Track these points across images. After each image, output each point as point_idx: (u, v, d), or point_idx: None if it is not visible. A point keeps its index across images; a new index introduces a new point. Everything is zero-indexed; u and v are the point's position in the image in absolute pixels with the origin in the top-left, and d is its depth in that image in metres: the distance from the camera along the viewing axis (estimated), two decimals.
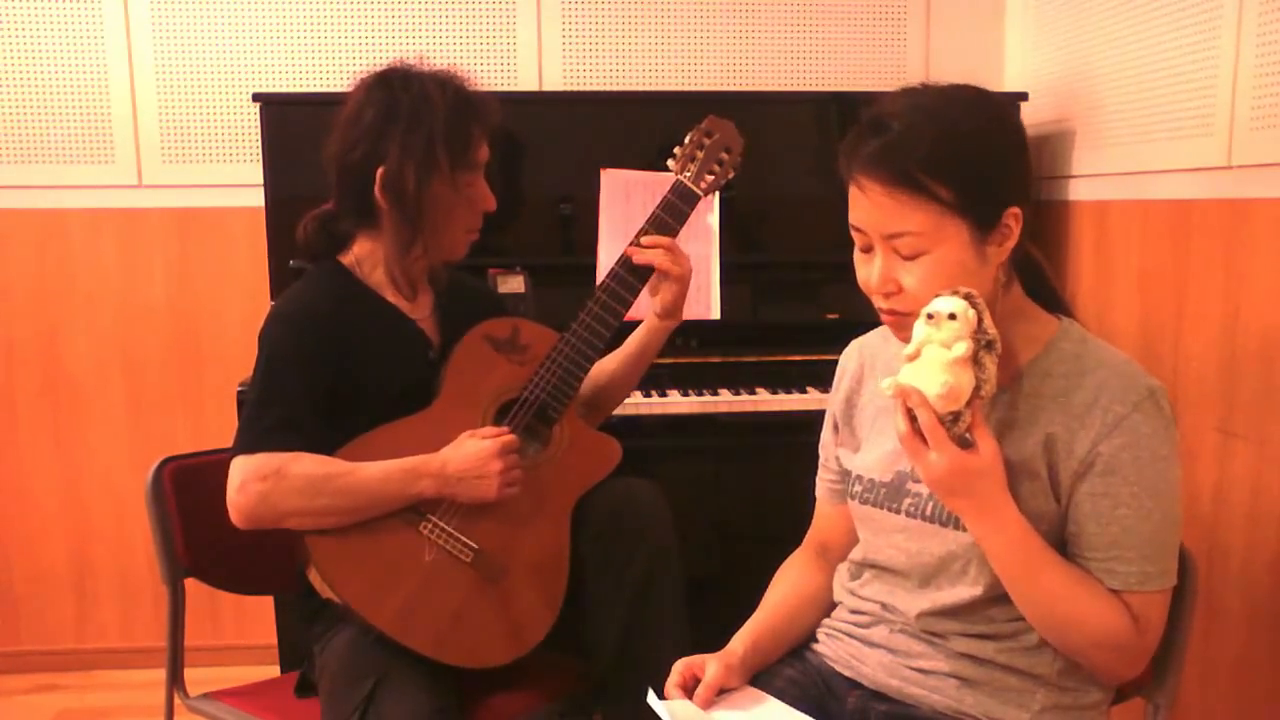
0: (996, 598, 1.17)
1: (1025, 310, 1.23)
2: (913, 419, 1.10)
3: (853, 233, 1.19)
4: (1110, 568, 1.14)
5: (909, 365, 1.12)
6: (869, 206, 1.14)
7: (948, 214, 1.11)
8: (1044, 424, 1.16)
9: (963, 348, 1.08)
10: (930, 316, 1.10)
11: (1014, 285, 1.22)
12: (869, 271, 1.17)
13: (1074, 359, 1.18)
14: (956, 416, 1.10)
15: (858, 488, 1.31)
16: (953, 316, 1.08)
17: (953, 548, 1.20)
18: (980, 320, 1.09)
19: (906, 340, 1.14)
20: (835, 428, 1.40)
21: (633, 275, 1.65)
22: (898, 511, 1.25)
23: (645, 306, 1.74)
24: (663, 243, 1.65)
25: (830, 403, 1.41)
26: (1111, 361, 1.17)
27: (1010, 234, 1.15)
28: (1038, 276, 1.26)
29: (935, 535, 1.21)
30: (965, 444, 1.10)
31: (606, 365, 1.75)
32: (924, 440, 1.10)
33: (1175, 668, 1.25)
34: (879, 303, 1.18)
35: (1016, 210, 1.14)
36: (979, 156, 1.13)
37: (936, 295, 1.11)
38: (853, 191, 1.16)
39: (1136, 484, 1.13)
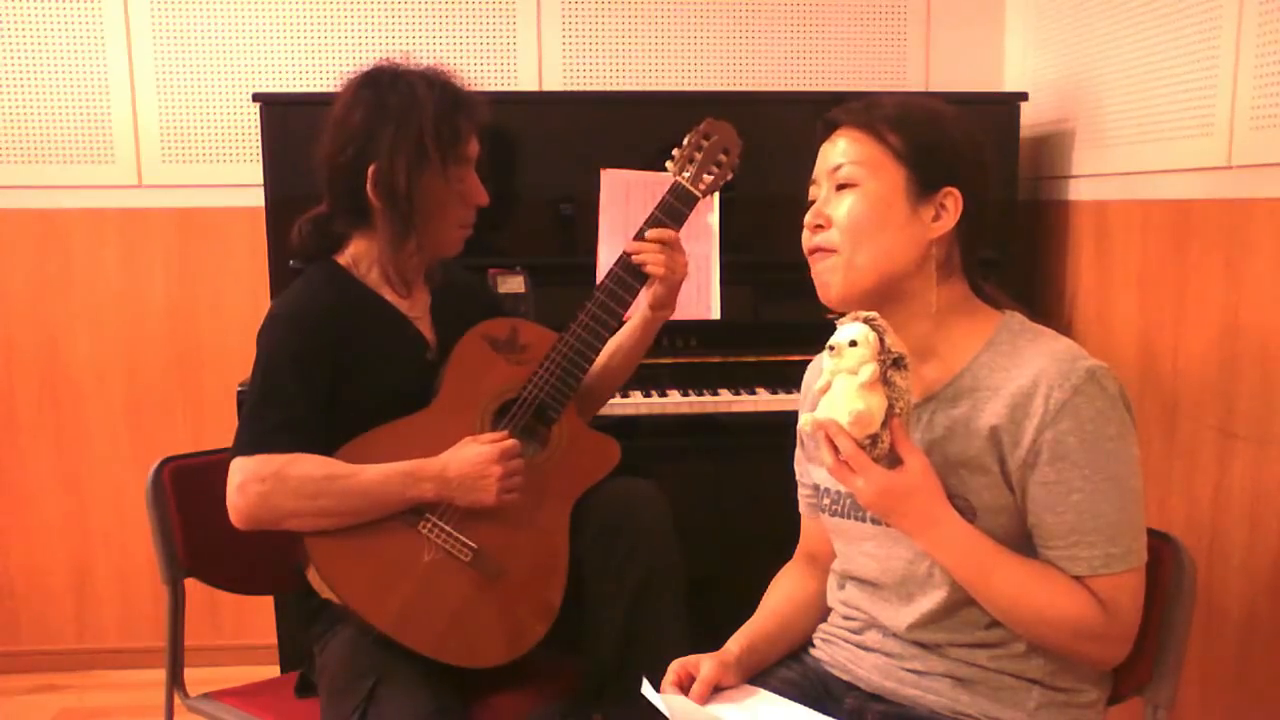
0: (967, 598, 1.18)
1: (968, 307, 1.25)
2: (837, 449, 1.13)
3: (810, 190, 1.28)
4: (1073, 554, 1.14)
5: (823, 399, 1.14)
6: (828, 149, 1.26)
7: (889, 156, 1.20)
8: (988, 417, 1.16)
9: (869, 371, 1.10)
10: (832, 348, 1.12)
11: (957, 282, 1.24)
12: (809, 213, 1.26)
13: (1013, 350, 1.19)
14: (875, 439, 1.11)
15: (826, 500, 1.33)
16: (854, 344, 1.10)
17: (918, 550, 1.21)
18: (883, 340, 1.11)
19: (827, 296, 1.23)
20: (802, 443, 1.42)
21: (631, 275, 1.65)
22: (864, 520, 1.26)
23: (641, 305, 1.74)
24: (665, 236, 1.65)
25: (804, 396, 1.43)
26: (1050, 349, 1.17)
27: (945, 214, 1.20)
28: (981, 282, 1.28)
29: (900, 540, 1.21)
30: (894, 462, 1.13)
31: (597, 360, 1.75)
32: (851, 468, 1.12)
33: (1174, 668, 1.25)
34: (809, 242, 1.26)
35: (956, 193, 1.19)
36: (934, 128, 1.22)
37: (838, 326, 1.14)
38: (822, 148, 1.27)
39: (1087, 467, 1.13)
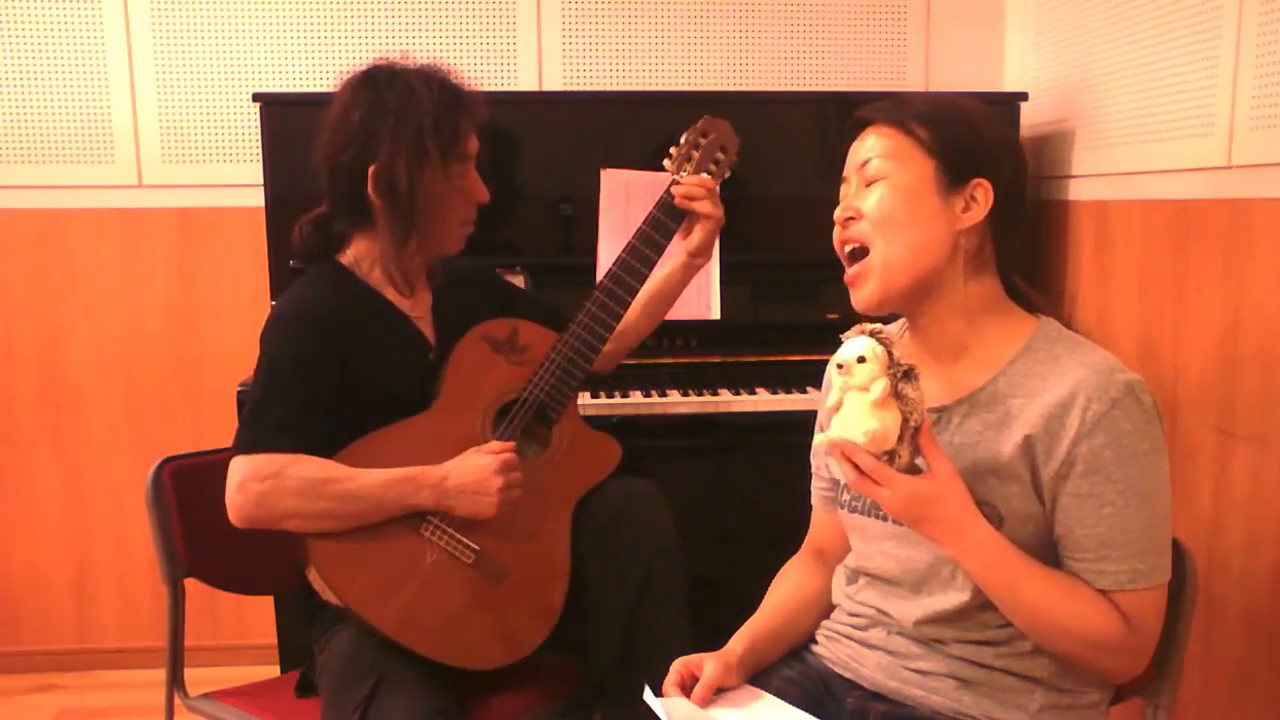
0: (986, 603, 1.17)
1: (1002, 307, 1.24)
2: (856, 465, 1.12)
3: (841, 190, 1.27)
4: (1100, 568, 1.14)
5: (836, 417, 1.12)
6: (856, 146, 1.25)
7: (917, 148, 1.20)
8: (1022, 425, 1.16)
9: (880, 387, 1.08)
10: (840, 366, 1.10)
11: (989, 279, 1.23)
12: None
13: (1050, 358, 1.18)
14: (892, 455, 1.10)
15: (846, 496, 1.32)
16: (862, 360, 1.09)
17: (940, 553, 1.19)
18: (890, 353, 1.09)
19: (859, 299, 1.22)
20: None
21: (630, 274, 1.65)
22: (885, 519, 1.26)
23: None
24: (706, 183, 1.67)
25: (820, 410, 1.42)
26: (1088, 359, 1.16)
27: (976, 205, 1.19)
28: (1017, 284, 1.27)
29: (922, 542, 1.20)
30: (916, 470, 1.11)
31: (631, 307, 1.73)
32: (875, 480, 1.11)
33: (1174, 668, 1.25)
34: (840, 236, 1.24)
35: (986, 183, 1.18)
36: (962, 121, 1.22)
37: (844, 341, 1.12)
38: (852, 147, 1.26)
39: (1121, 481, 1.12)
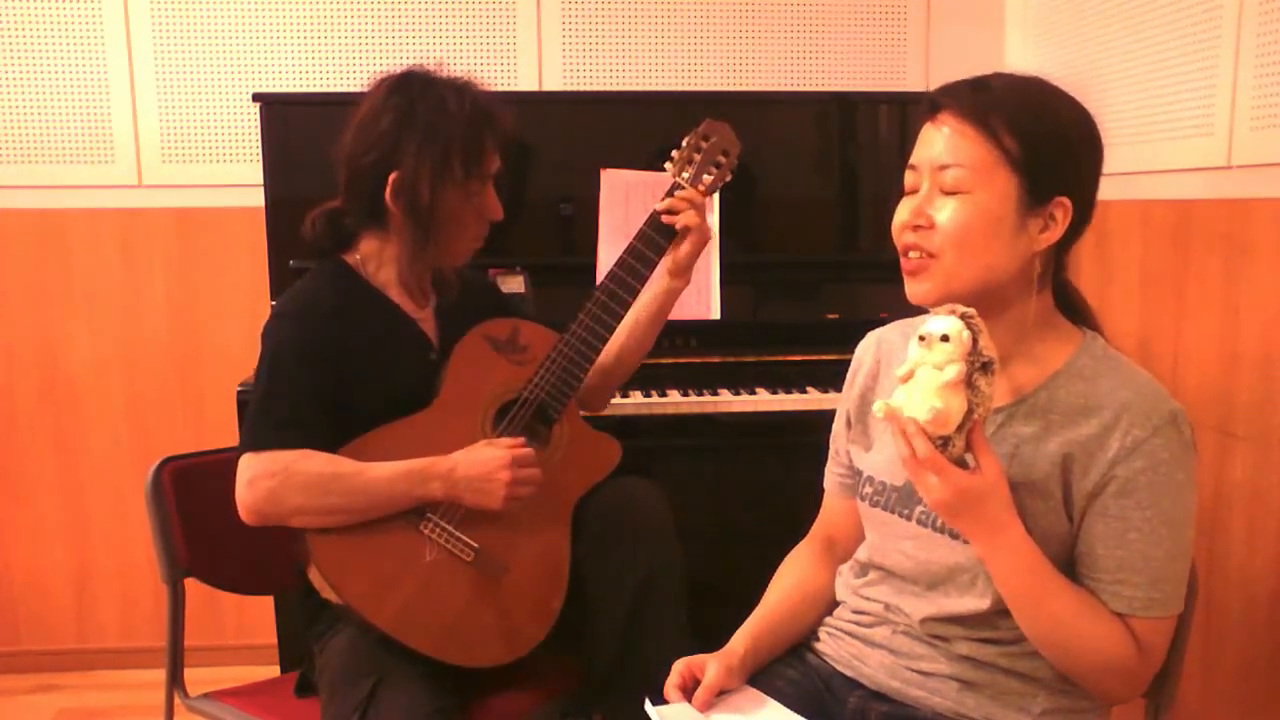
0: (1003, 610, 1.16)
1: (1051, 320, 1.21)
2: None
3: (906, 174, 1.19)
4: (1116, 590, 1.13)
5: (902, 387, 1.09)
6: (934, 137, 1.15)
7: (1004, 163, 1.12)
8: (1062, 443, 1.14)
9: (954, 371, 1.05)
10: (922, 338, 1.07)
11: (1045, 294, 1.20)
12: (906, 208, 1.17)
13: (1095, 377, 1.16)
14: (946, 441, 1.07)
15: (868, 489, 1.30)
16: (945, 339, 1.05)
17: (961, 559, 1.18)
18: (976, 341, 1.06)
19: (917, 292, 1.16)
20: (848, 423, 1.38)
21: (631, 275, 1.65)
22: (908, 518, 1.24)
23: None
24: (694, 200, 1.65)
25: (844, 396, 1.40)
26: (1134, 382, 1.15)
27: (1054, 224, 1.14)
28: (1069, 291, 1.25)
29: (945, 545, 1.19)
30: (964, 464, 1.09)
31: (615, 339, 1.72)
32: (926, 465, 1.08)
33: (1175, 668, 1.25)
34: (906, 239, 1.17)
35: (1067, 202, 1.13)
36: (1055, 132, 1.14)
37: (932, 315, 1.08)
38: (925, 130, 1.17)
39: (1150, 509, 1.11)
